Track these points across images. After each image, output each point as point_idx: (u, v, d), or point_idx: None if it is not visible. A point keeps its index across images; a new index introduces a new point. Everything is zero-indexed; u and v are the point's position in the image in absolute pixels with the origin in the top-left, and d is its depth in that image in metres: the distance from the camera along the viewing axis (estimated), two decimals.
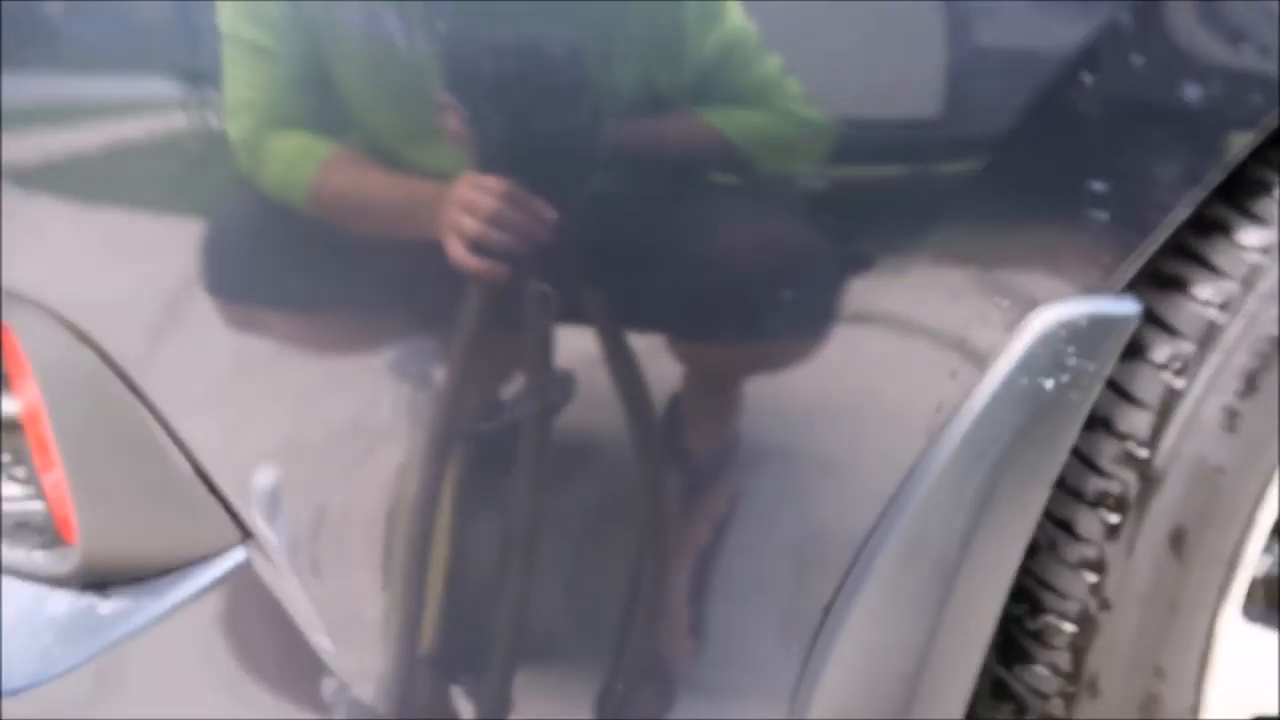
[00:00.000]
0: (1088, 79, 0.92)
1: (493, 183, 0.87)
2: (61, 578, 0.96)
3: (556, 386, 0.91)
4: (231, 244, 0.89)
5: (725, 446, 0.95)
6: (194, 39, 0.87)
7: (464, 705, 0.97)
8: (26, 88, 0.89)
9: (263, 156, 0.87)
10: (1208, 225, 1.02)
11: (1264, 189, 1.01)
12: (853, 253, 0.92)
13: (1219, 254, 1.02)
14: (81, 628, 0.94)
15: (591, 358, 0.91)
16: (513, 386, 0.92)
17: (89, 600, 0.95)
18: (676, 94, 0.88)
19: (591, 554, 0.96)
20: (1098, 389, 0.98)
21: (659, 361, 0.92)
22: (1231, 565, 1.04)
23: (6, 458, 0.98)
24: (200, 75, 0.87)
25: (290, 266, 0.90)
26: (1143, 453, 1.02)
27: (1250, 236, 1.01)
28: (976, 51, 0.92)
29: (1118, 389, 1.03)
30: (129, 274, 0.91)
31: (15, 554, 0.96)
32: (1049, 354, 0.96)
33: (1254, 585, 1.08)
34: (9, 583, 0.96)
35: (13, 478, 0.98)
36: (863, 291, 0.92)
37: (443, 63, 0.86)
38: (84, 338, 0.91)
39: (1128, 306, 0.97)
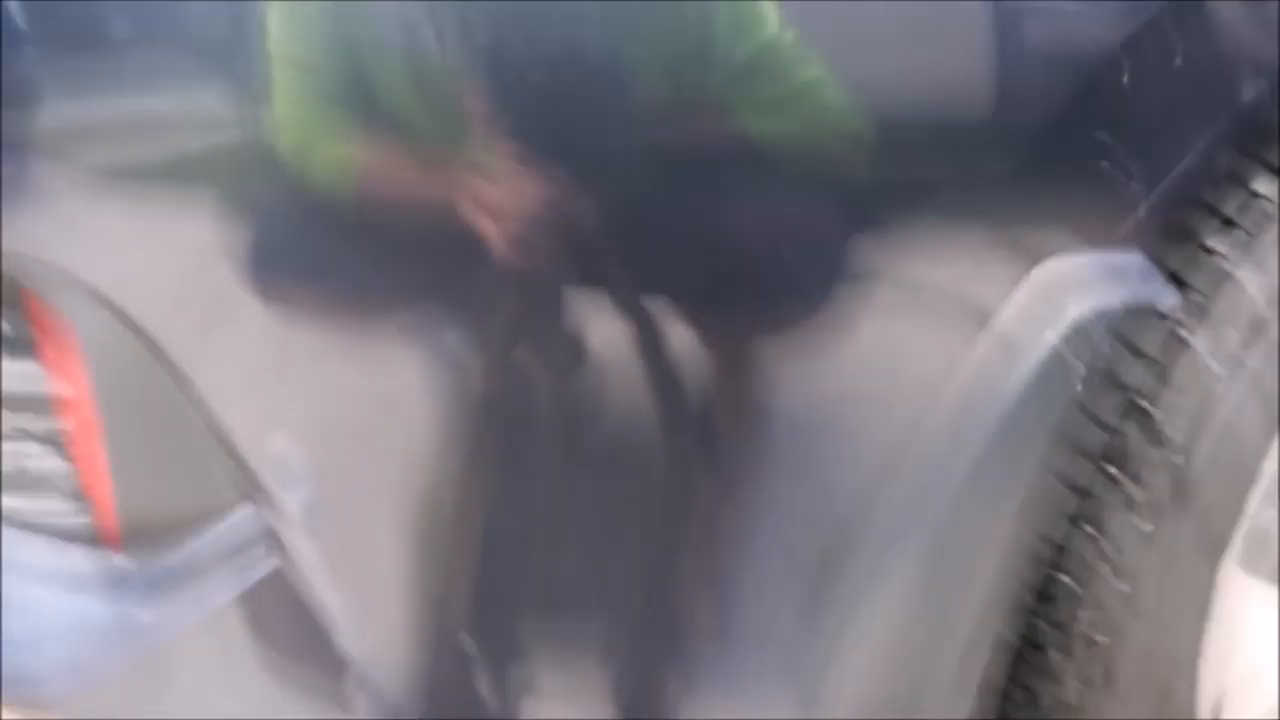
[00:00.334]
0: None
1: (528, 181, 0.89)
2: (97, 551, 1.01)
3: (581, 371, 0.93)
4: (273, 233, 0.93)
5: (747, 428, 0.96)
6: (246, 55, 0.91)
7: (484, 681, 1.00)
8: (101, 106, 0.94)
9: (308, 163, 0.91)
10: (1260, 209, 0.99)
11: None
12: (873, 234, 0.92)
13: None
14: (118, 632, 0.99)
15: (617, 343, 0.93)
16: (538, 371, 0.93)
17: (127, 608, 0.99)
18: (708, 99, 0.90)
19: (611, 535, 0.98)
20: (1134, 375, 0.96)
21: (682, 345, 0.93)
22: None
23: (49, 429, 1.04)
24: (250, 87, 0.91)
25: (329, 255, 0.93)
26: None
27: None
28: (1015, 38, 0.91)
29: (1157, 375, 1.01)
30: (177, 260, 0.94)
31: (55, 525, 1.02)
32: (1081, 339, 0.95)
33: None
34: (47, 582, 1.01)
35: (56, 451, 1.04)
36: (887, 275, 0.92)
37: (478, 70, 0.88)
38: (128, 320, 0.95)
39: (1167, 294, 0.96)
